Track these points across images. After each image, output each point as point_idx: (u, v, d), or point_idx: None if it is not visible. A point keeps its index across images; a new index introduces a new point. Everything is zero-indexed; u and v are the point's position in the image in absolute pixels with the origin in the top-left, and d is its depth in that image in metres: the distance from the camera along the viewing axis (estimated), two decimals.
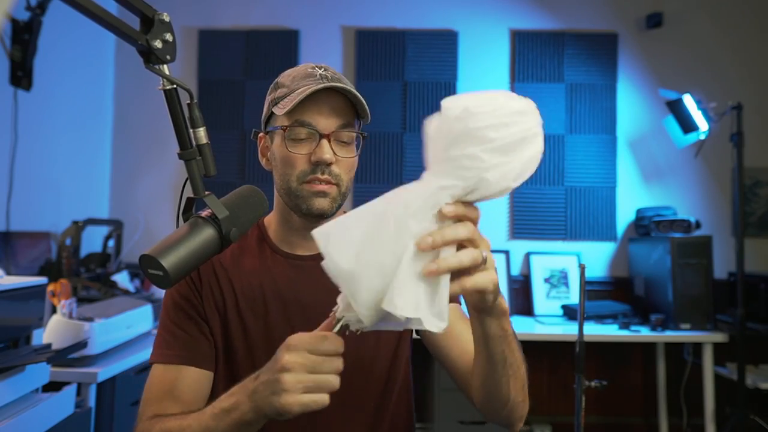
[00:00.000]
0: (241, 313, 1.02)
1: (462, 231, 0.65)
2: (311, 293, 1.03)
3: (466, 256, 0.65)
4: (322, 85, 0.96)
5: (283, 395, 0.73)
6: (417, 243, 0.63)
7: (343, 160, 1.00)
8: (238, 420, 0.79)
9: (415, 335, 1.12)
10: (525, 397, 0.91)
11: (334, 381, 0.73)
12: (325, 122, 0.98)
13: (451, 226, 0.65)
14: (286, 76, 1.03)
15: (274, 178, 1.04)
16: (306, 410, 0.73)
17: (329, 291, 1.03)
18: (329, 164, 0.98)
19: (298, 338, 0.75)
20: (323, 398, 0.73)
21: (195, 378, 0.99)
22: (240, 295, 1.02)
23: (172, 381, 0.98)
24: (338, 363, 0.74)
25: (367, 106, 1.02)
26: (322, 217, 0.99)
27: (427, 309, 0.63)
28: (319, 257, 1.05)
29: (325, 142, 0.97)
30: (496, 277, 0.71)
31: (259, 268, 1.04)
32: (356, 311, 0.65)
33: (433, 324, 0.63)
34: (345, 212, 1.06)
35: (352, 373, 1.03)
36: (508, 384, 0.87)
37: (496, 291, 0.73)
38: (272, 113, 1.02)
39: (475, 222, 0.67)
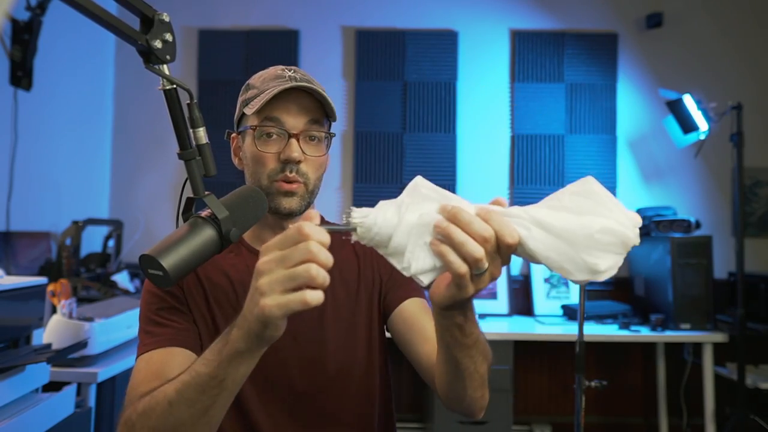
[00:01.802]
0: (224, 310, 1.03)
1: (482, 229, 0.64)
2: None
3: (470, 253, 0.63)
4: (288, 85, 0.99)
5: (261, 300, 0.65)
6: (440, 211, 0.65)
7: (311, 159, 1.02)
8: (231, 352, 0.72)
9: (387, 334, 1.13)
10: (483, 393, 0.91)
11: (313, 271, 0.63)
12: (294, 121, 1.01)
13: (480, 221, 0.64)
14: (256, 78, 1.06)
15: (245, 178, 1.07)
16: (288, 312, 0.65)
17: None
18: (298, 162, 1.00)
19: (270, 241, 0.68)
20: (303, 296, 0.64)
21: (186, 359, 0.94)
22: (222, 294, 1.04)
23: (161, 363, 0.94)
24: (313, 248, 0.63)
25: (334, 106, 1.04)
26: (291, 215, 1.03)
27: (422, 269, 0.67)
28: None
29: (293, 141, 1.00)
30: (475, 290, 0.68)
31: (240, 267, 1.06)
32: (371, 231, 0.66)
33: (419, 279, 0.67)
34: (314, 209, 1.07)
35: (329, 388, 1.03)
36: (464, 384, 0.86)
37: (469, 300, 0.72)
38: (243, 114, 1.05)
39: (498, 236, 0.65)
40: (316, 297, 0.64)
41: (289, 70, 1.04)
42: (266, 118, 1.00)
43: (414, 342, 1.03)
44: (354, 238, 0.67)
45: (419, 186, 0.68)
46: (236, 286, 1.04)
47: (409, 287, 1.12)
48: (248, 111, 1.01)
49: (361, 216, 0.67)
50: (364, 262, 1.13)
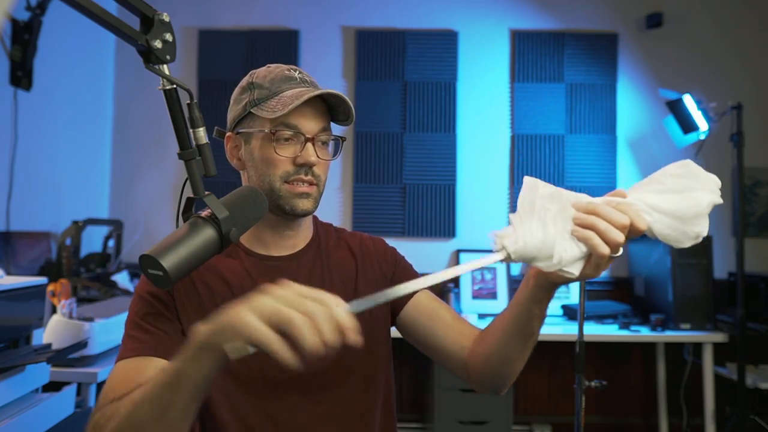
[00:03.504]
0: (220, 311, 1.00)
1: (620, 218, 0.74)
2: None
3: (614, 239, 0.73)
4: (319, 92, 0.99)
5: (243, 310, 0.66)
6: (574, 206, 0.75)
7: (322, 162, 1.04)
8: (192, 346, 0.72)
9: (396, 333, 1.14)
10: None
11: (305, 328, 0.63)
12: (309, 125, 1.02)
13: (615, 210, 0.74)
14: (262, 78, 1.04)
15: (248, 179, 1.05)
16: (251, 340, 0.64)
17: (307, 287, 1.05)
18: (311, 166, 1.02)
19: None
20: (273, 343, 0.63)
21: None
22: (220, 298, 1.01)
23: (137, 370, 0.91)
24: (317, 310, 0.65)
25: (353, 110, 1.05)
26: (305, 215, 1.04)
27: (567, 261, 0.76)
28: (292, 257, 1.07)
29: (309, 145, 1.01)
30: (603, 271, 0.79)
31: (238, 270, 1.04)
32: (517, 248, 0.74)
33: (567, 271, 0.77)
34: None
35: (332, 390, 1.03)
36: (523, 356, 0.97)
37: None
38: (249, 114, 1.03)
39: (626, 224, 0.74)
40: (283, 356, 0.63)
41: (295, 71, 1.05)
42: (283, 123, 1.00)
43: (437, 329, 1.08)
44: (503, 259, 0.74)
45: (561, 193, 0.76)
46: (235, 290, 1.02)
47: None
48: (264, 113, 1.00)
49: (512, 242, 0.73)
50: (363, 262, 1.13)
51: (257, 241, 1.07)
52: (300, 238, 1.09)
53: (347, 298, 1.07)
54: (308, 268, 1.08)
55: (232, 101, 1.07)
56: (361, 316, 1.06)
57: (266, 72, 1.05)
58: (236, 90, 1.07)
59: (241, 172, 1.07)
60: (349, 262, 1.12)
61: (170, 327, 0.98)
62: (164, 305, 0.99)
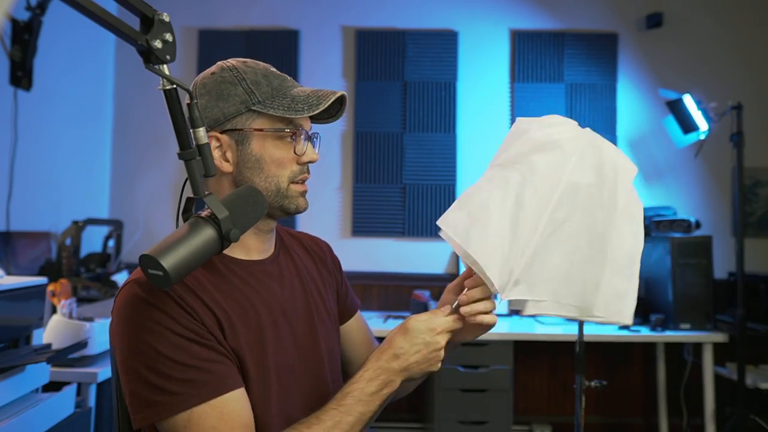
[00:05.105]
0: (235, 327, 0.95)
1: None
2: (282, 292, 1.04)
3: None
4: (340, 93, 1.01)
5: (438, 364, 0.99)
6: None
7: None
8: (389, 392, 0.96)
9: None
10: None
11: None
12: (307, 124, 1.04)
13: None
14: (251, 74, 0.99)
15: (235, 181, 0.99)
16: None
17: (292, 287, 1.07)
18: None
19: (441, 322, 0.98)
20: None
21: (245, 397, 0.92)
22: (231, 312, 0.95)
23: (233, 412, 0.88)
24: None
25: (342, 112, 1.08)
26: (303, 212, 1.05)
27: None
28: (272, 260, 1.07)
29: (309, 143, 1.02)
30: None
31: (236, 281, 0.98)
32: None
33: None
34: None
35: (327, 383, 1.06)
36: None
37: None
38: (248, 111, 0.97)
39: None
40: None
41: (274, 68, 1.05)
42: (294, 123, 0.99)
43: (360, 350, 1.22)
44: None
45: None
46: (243, 302, 0.98)
47: (354, 296, 1.25)
48: (279, 112, 0.95)
49: None
50: (318, 262, 1.17)
51: (240, 247, 1.01)
52: (273, 240, 1.09)
53: (320, 296, 1.12)
54: (288, 270, 1.08)
55: (210, 96, 0.98)
56: (331, 312, 1.13)
57: (247, 68, 1.01)
58: (215, 84, 0.98)
59: (219, 174, 0.99)
60: (309, 262, 1.15)
61: (217, 354, 0.91)
62: (201, 335, 0.91)
